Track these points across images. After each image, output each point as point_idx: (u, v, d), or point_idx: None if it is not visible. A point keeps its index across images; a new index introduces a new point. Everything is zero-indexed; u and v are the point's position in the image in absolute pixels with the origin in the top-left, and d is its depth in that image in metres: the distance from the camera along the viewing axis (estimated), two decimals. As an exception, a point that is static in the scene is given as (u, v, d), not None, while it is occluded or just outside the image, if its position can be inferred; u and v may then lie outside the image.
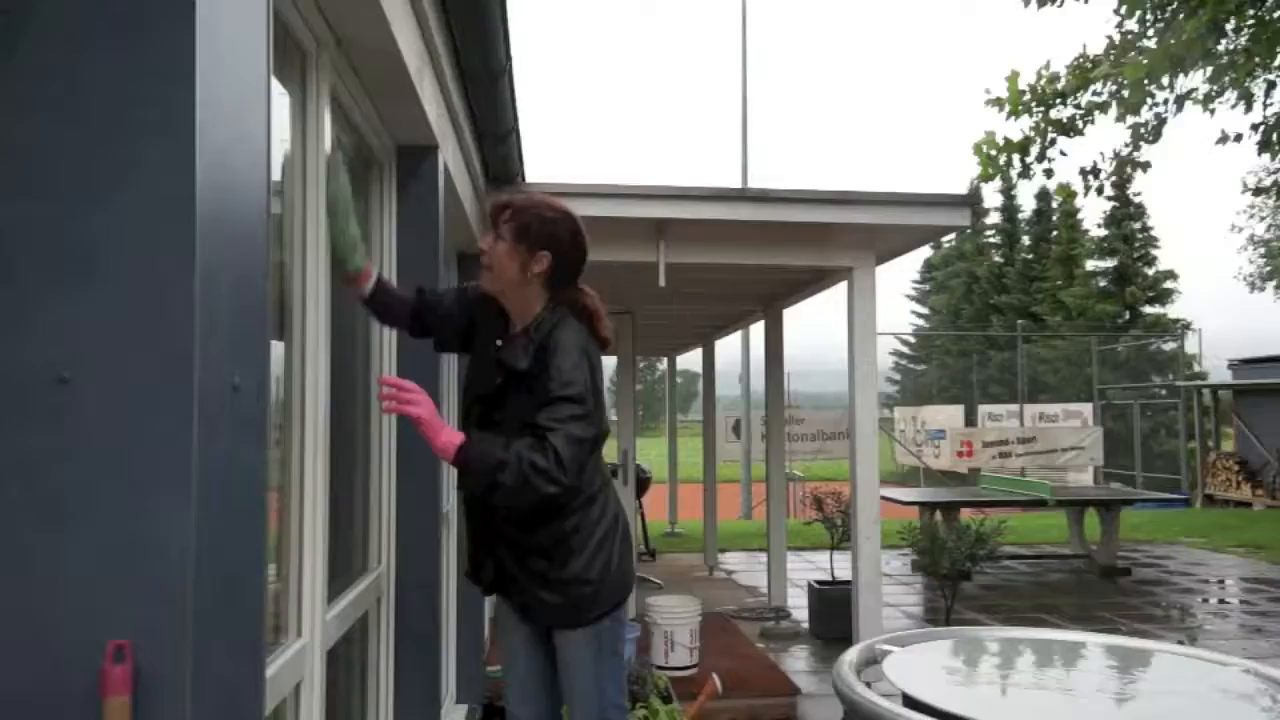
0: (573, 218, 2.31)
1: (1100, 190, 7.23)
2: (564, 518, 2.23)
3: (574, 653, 2.30)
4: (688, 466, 12.99)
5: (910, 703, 1.67)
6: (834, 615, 6.30)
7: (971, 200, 4.92)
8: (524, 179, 4.61)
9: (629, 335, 6.72)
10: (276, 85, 1.72)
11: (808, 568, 9.11)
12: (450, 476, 3.51)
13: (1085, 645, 2.07)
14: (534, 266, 2.23)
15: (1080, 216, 32.49)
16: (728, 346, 16.93)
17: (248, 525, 1.16)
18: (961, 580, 8.65)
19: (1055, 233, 33.59)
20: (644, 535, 9.98)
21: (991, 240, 38.33)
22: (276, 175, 1.85)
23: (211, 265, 1.01)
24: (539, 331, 2.22)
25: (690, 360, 12.39)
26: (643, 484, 9.46)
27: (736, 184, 15.97)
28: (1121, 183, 29.50)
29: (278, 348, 1.86)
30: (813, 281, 6.23)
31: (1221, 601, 8.43)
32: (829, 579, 6.84)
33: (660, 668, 4.83)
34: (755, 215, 4.73)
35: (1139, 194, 30.66)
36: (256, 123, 1.18)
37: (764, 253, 5.20)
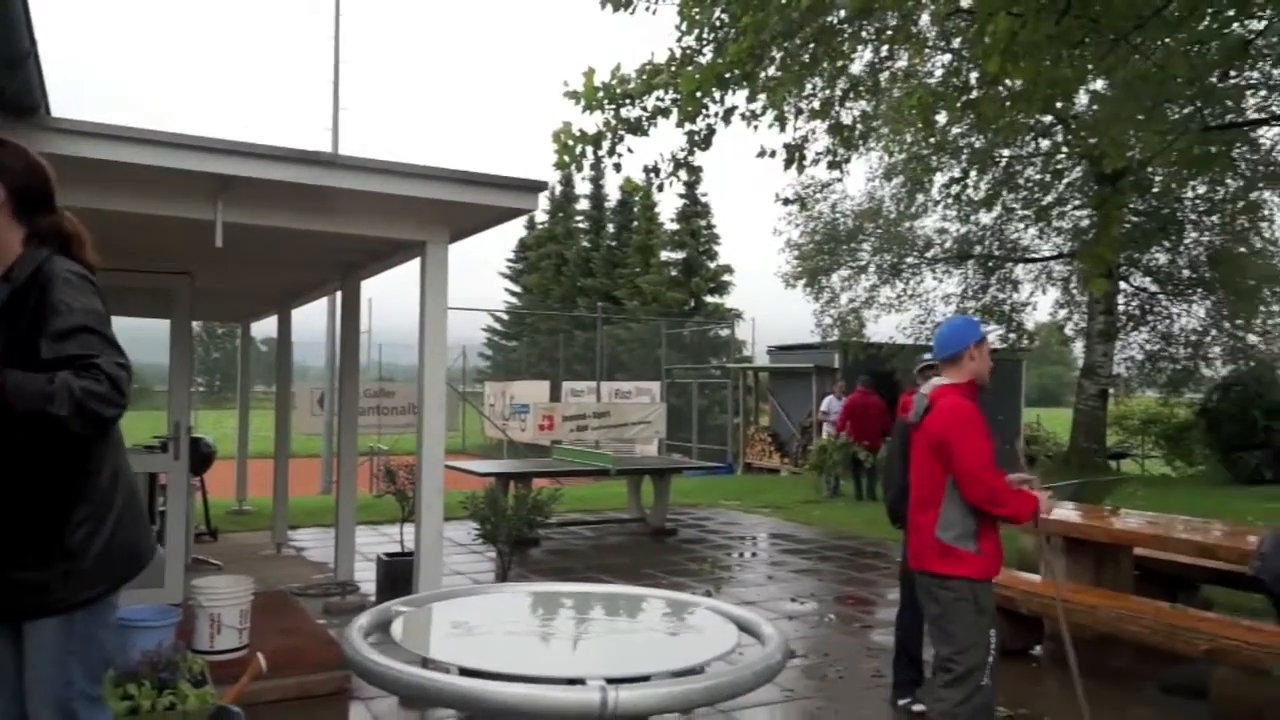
0: (20, 146, 2.22)
1: (661, 188, 7.97)
2: (63, 478, 2.04)
3: (41, 638, 2.08)
4: (267, 441, 12.26)
5: (414, 659, 1.75)
6: (401, 587, 6.34)
7: (540, 186, 5.18)
8: (49, 111, 4.05)
9: (185, 298, 6.17)
10: None
11: (383, 541, 9.06)
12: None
13: (582, 595, 2.31)
14: None
15: (658, 210, 35.56)
16: (320, 316, 16.17)
17: None
18: (529, 547, 9.17)
19: (636, 223, 36.43)
20: (205, 514, 9.27)
21: (580, 226, 40.58)
22: None
23: None
24: (21, 268, 2.08)
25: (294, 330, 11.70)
26: (204, 459, 8.77)
27: (328, 150, 15.27)
28: (691, 183, 32.33)
29: None
30: (390, 253, 6.18)
31: (743, 555, 9.74)
32: (399, 551, 6.87)
33: (203, 652, 4.55)
34: (326, 181, 4.59)
35: (705, 195, 34.31)
36: None
37: (336, 220, 5.06)
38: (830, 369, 19.28)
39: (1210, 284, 17.77)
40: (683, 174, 7.92)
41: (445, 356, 5.55)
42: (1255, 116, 12.88)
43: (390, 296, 7.78)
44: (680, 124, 7.71)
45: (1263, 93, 13.77)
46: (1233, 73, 12.47)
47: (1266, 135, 15.41)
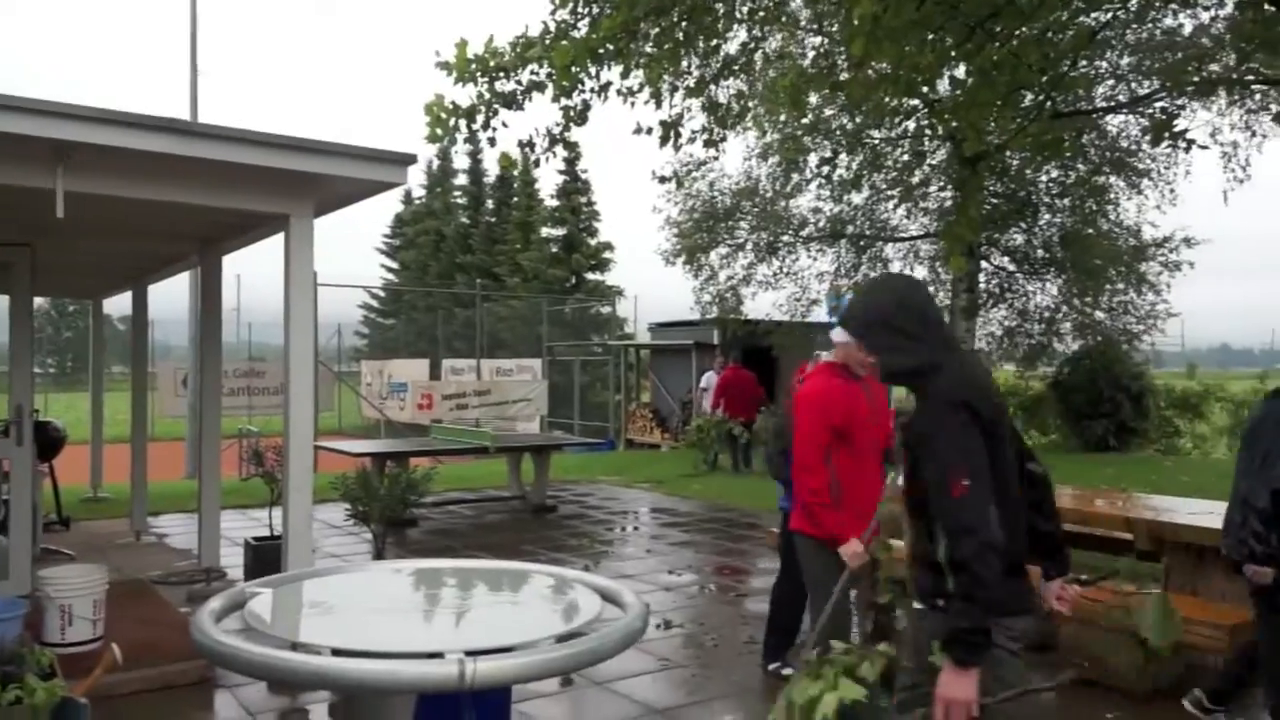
0: None
1: (537, 163, 7.89)
2: None
3: None
4: (127, 424, 11.62)
5: (267, 640, 1.71)
6: (270, 571, 6.14)
7: (409, 159, 5.06)
8: None
9: (25, 272, 5.78)
10: None
11: (252, 525, 8.75)
12: None
13: (444, 571, 2.30)
14: None
15: (538, 187, 35.29)
16: (184, 293, 15.36)
17: None
18: (407, 527, 9.02)
19: (516, 200, 36.05)
20: (56, 502, 8.76)
21: (459, 201, 39.89)
22: None
23: None
24: None
25: (156, 308, 11.11)
26: (53, 444, 8.29)
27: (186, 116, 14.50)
28: (571, 159, 32.19)
29: None
30: (251, 226, 5.93)
31: (623, 529, 9.84)
32: (267, 535, 6.66)
33: (53, 645, 4.31)
34: (180, 149, 4.37)
35: (586, 171, 34.21)
36: None
37: (192, 191, 4.82)
38: (710, 345, 19.58)
39: (1062, 264, 18.80)
40: (559, 149, 7.86)
41: (312, 333, 5.39)
42: (1102, 105, 13.67)
43: (260, 272, 7.50)
44: (556, 99, 7.63)
45: (1110, 82, 14.64)
46: (1083, 63, 13.21)
47: (1113, 123, 16.40)
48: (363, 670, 1.54)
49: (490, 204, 38.59)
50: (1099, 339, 18.87)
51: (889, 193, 18.26)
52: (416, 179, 40.74)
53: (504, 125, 7.59)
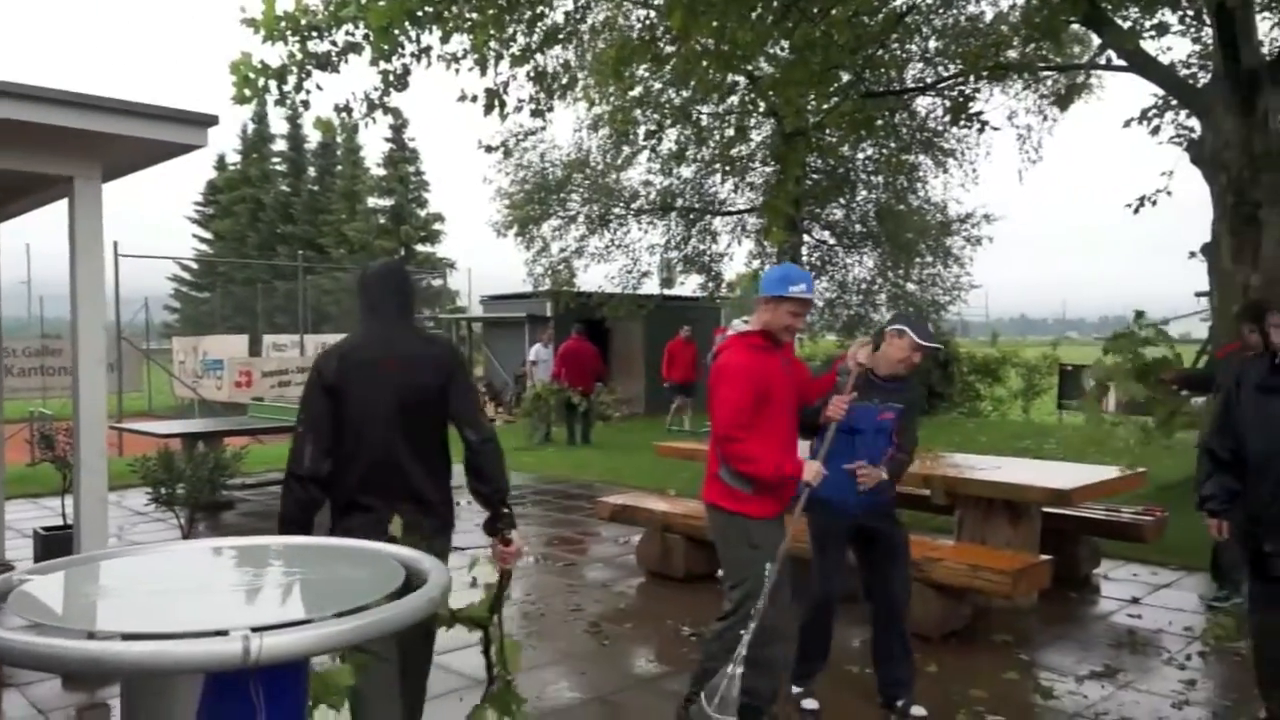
0: None
1: (356, 128, 7.61)
2: None
3: None
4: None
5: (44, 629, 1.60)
6: (64, 562, 5.74)
7: (209, 120, 4.76)
8: None
9: None
10: None
11: (45, 515, 8.10)
12: None
13: (238, 549, 2.21)
14: None
15: (363, 155, 34.01)
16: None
17: None
18: (221, 510, 8.59)
19: (340, 168, 34.63)
20: None
21: (279, 168, 37.94)
22: None
23: None
24: None
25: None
26: None
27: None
28: (397, 126, 31.03)
29: None
30: (30, 190, 5.43)
31: (456, 504, 9.70)
32: (60, 524, 6.19)
33: None
34: (-62, 102, 3.95)
35: (414, 139, 33.23)
36: None
37: (-44, 149, 4.38)
38: (544, 318, 19.51)
39: (878, 238, 19.80)
40: (380, 115, 7.61)
41: (104, 306, 5.02)
42: (911, 86, 14.42)
43: (56, 241, 6.90)
44: (374, 62, 7.38)
45: (919, 65, 15.44)
46: (895, 46, 13.88)
47: (921, 104, 17.33)
48: (135, 653, 1.46)
49: (313, 171, 36.87)
50: (911, 309, 20.01)
51: (716, 167, 18.67)
52: (229, 143, 38.42)
53: (319, 88, 7.30)
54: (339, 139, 32.32)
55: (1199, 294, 10.69)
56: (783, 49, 8.62)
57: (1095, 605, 5.86)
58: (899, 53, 14.11)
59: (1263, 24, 10.15)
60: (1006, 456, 8.32)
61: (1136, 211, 10.96)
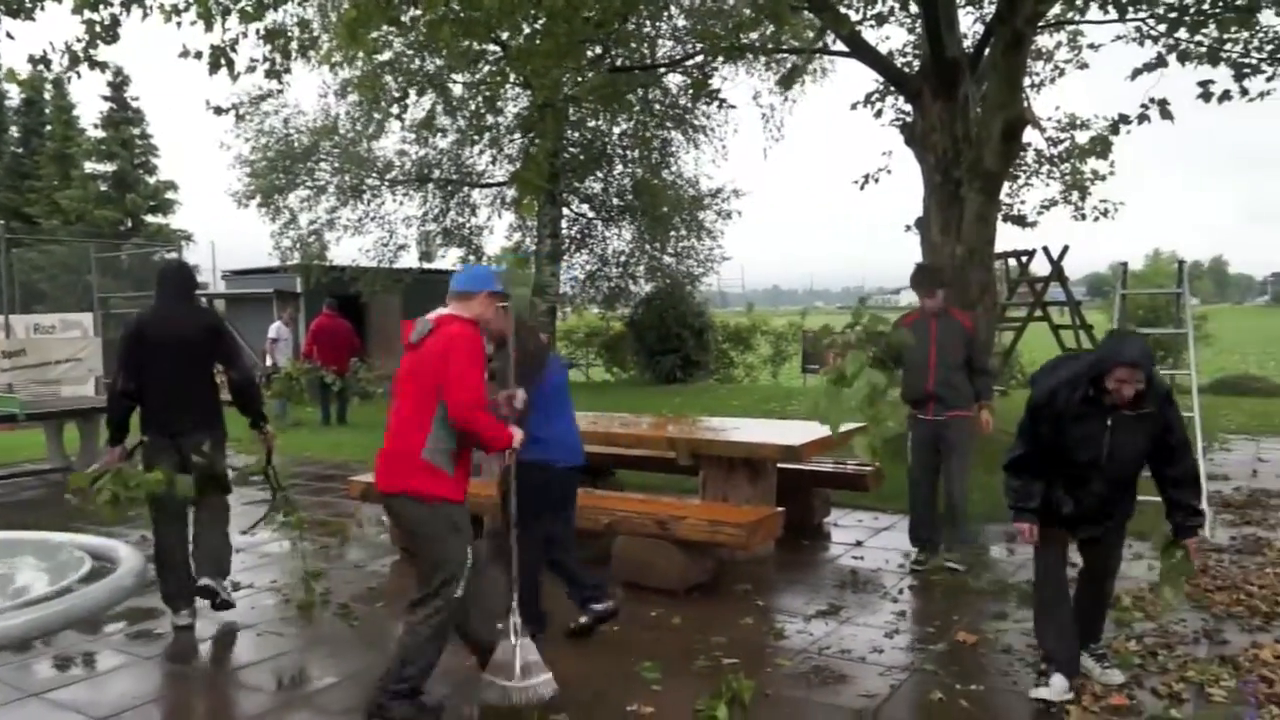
0: None
1: (56, 83, 6.85)
2: None
3: None
4: None
5: None
6: None
7: None
8: None
9: None
10: None
11: None
12: None
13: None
14: None
15: (77, 114, 30.56)
16: None
17: None
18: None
19: (50, 128, 30.93)
20: None
21: (-25, 129, 33.44)
22: None
23: None
24: None
25: None
26: None
27: None
28: (117, 84, 28.13)
29: None
30: None
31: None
32: None
33: None
34: None
35: (137, 99, 30.22)
36: None
37: None
38: (293, 294, 18.48)
39: (635, 211, 20.27)
40: (86, 69, 6.88)
41: None
42: (662, 62, 14.83)
43: None
44: (77, 10, 6.66)
45: (670, 43, 15.89)
46: (646, 23, 14.20)
47: (673, 81, 17.86)
48: None
49: (15, 132, 32.69)
50: (667, 281, 20.68)
51: (473, 137, 18.36)
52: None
53: (9, 36, 6.49)
54: (47, 96, 28.82)
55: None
56: (533, 19, 8.57)
57: (825, 550, 6.37)
58: (649, 30, 14.46)
59: (965, 17, 11.28)
60: (753, 419, 8.82)
61: (863, 188, 11.85)
